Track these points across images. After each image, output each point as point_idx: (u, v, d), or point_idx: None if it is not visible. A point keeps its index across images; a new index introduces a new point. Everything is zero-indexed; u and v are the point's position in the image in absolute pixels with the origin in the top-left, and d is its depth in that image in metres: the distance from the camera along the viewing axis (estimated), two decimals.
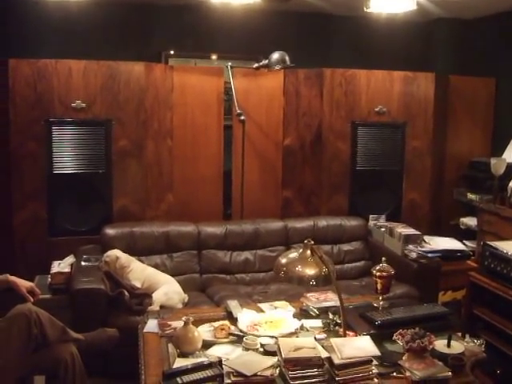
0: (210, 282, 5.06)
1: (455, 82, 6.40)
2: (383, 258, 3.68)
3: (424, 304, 3.75)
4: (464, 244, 5.81)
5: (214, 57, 6.58)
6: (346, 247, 5.55)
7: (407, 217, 6.10)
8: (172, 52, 6.48)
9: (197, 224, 5.27)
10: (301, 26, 6.72)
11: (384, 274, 3.62)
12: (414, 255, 5.03)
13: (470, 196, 6.12)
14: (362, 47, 6.73)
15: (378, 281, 3.63)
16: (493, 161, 5.57)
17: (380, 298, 3.70)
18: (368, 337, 3.04)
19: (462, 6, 6.18)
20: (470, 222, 6.00)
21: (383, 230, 5.52)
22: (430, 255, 5.07)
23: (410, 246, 5.12)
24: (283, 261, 3.19)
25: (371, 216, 5.83)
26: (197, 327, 3.28)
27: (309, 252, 3.15)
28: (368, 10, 5.19)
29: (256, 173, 5.94)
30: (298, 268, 3.11)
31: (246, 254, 5.28)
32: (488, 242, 4.45)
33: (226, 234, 5.26)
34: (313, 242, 3.17)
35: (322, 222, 5.56)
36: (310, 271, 3.09)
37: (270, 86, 5.94)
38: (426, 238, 5.47)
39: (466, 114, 6.46)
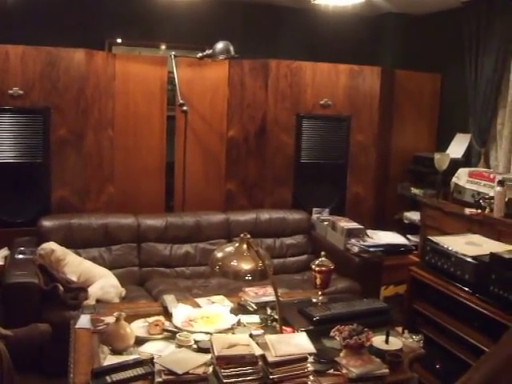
0: (150, 275, 4.96)
1: (401, 77, 6.40)
2: (322, 253, 3.63)
3: (364, 299, 3.70)
4: (407, 238, 5.82)
5: (163, 47, 6.43)
6: (288, 241, 5.50)
7: (351, 211, 6.09)
8: (119, 40, 6.31)
9: (136, 216, 5.16)
10: (248, 17, 6.61)
11: (323, 268, 3.56)
12: (356, 249, 5.01)
13: (414, 190, 6.13)
14: (310, 40, 6.66)
15: (318, 276, 3.57)
16: (436, 156, 5.59)
17: (319, 292, 3.64)
18: (304, 333, 2.98)
19: (410, 2, 6.18)
20: (414, 216, 6.01)
21: (326, 223, 5.49)
22: (372, 249, 5.04)
23: (353, 240, 5.09)
24: (219, 255, 3.10)
25: (314, 209, 5.80)
26: (131, 322, 3.18)
27: (245, 246, 3.05)
28: (315, 2, 5.14)
29: (199, 164, 5.85)
30: (234, 262, 3.02)
31: (187, 247, 5.19)
32: (429, 237, 4.44)
33: (167, 226, 5.15)
34: (249, 236, 3.07)
35: (265, 215, 5.51)
36: (246, 266, 3.01)
37: (215, 76, 5.85)
38: (369, 232, 5.44)
39: (411, 108, 6.47)
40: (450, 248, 4.15)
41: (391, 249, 5.31)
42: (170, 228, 5.16)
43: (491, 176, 5.09)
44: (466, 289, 3.92)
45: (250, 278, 3.01)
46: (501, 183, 4.73)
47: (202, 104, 5.81)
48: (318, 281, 3.58)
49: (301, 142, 5.95)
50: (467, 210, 4.99)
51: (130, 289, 4.63)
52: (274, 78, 5.83)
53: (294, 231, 5.55)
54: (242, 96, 5.89)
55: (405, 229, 6.12)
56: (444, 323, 4.09)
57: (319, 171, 6.03)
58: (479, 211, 4.91)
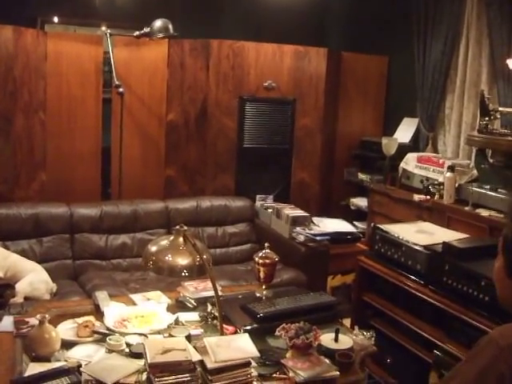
0: (84, 268, 4.65)
1: (348, 59, 6.20)
2: (266, 244, 3.39)
3: (311, 293, 3.47)
4: (354, 225, 5.67)
5: (103, 28, 6.04)
6: (231, 229, 5.26)
7: (296, 197, 5.85)
8: (56, 19, 5.92)
9: (69, 205, 4.82)
10: None
11: (267, 261, 3.33)
12: (301, 238, 4.79)
13: (361, 176, 5.97)
14: (254, 20, 6.39)
15: (261, 269, 3.34)
16: (384, 140, 5.42)
17: (263, 286, 3.41)
18: (247, 335, 2.73)
19: None
20: (361, 202, 5.85)
21: (270, 211, 5.26)
22: (318, 238, 4.82)
23: (298, 229, 4.86)
24: (152, 249, 2.81)
25: (258, 196, 5.56)
26: (59, 324, 2.91)
27: (181, 239, 2.78)
28: None
29: (137, 149, 5.56)
30: (169, 257, 2.74)
31: (124, 238, 4.89)
32: (378, 226, 4.24)
33: (102, 215, 4.84)
34: (186, 228, 2.80)
35: (206, 203, 5.24)
36: (183, 261, 2.73)
37: (154, 56, 5.56)
38: (315, 219, 5.24)
39: (357, 92, 6.29)
40: (400, 237, 3.97)
41: (338, 237, 5.10)
42: (106, 217, 4.85)
43: (440, 161, 4.96)
44: (418, 280, 3.75)
45: (187, 274, 2.75)
46: (451, 169, 4.59)
47: (139, 86, 5.51)
48: (262, 274, 3.35)
49: (244, 126, 5.69)
50: (416, 197, 4.87)
51: (63, 284, 4.33)
52: (216, 58, 5.56)
53: (236, 219, 5.30)
54: (182, 78, 5.61)
55: (352, 215, 5.97)
56: (395, 315, 3.92)
57: (263, 156, 5.76)
58: (428, 197, 4.78)
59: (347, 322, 4.16)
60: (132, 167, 5.48)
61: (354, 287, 4.47)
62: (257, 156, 5.75)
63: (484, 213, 4.24)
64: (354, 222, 5.79)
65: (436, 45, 5.50)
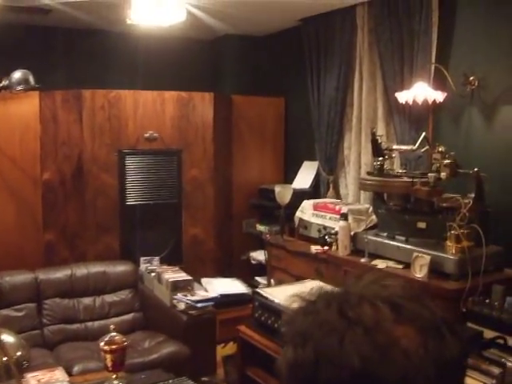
0: None
1: (240, 103, 5.81)
2: (112, 326, 2.91)
3: (170, 380, 2.98)
4: (255, 282, 5.22)
5: None
6: (110, 298, 4.69)
7: (189, 256, 5.38)
8: None
9: None
10: (60, 42, 5.75)
11: (114, 347, 2.84)
12: (182, 306, 4.26)
13: (259, 227, 5.53)
14: (135, 67, 5.83)
15: (108, 356, 2.84)
16: (277, 189, 5.03)
17: (113, 376, 2.90)
18: None
19: (247, 22, 5.64)
20: (260, 256, 5.42)
21: (154, 275, 4.74)
22: (200, 305, 4.29)
23: (179, 295, 4.32)
24: None
25: (142, 259, 5.02)
26: None
27: None
28: (131, 22, 4.53)
29: (11, 215, 5.05)
30: None
31: None
32: (257, 290, 3.75)
33: None
34: None
35: (82, 271, 4.68)
36: None
37: (25, 111, 5.09)
38: (205, 280, 4.78)
39: (254, 137, 5.90)
40: (280, 303, 3.49)
41: (225, 300, 4.63)
42: None
43: (337, 208, 4.56)
44: None
45: None
46: (344, 216, 4.19)
47: (10, 144, 5.03)
48: (109, 362, 2.85)
49: (125, 182, 5.20)
50: (313, 248, 4.44)
51: None
52: (90, 110, 5.08)
53: (117, 286, 4.73)
54: (55, 132, 5.13)
55: (253, 270, 5.53)
56: None
57: (149, 213, 5.27)
58: (326, 248, 4.36)
59: None
60: (6, 234, 4.98)
61: (237, 360, 3.95)
62: (142, 213, 5.26)
63: (381, 264, 3.83)
64: (256, 278, 5.37)
65: (330, 80, 5.21)
